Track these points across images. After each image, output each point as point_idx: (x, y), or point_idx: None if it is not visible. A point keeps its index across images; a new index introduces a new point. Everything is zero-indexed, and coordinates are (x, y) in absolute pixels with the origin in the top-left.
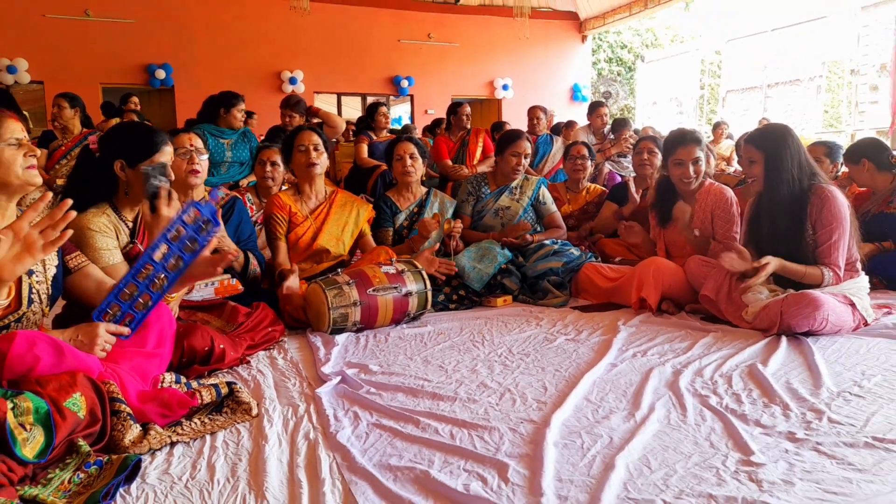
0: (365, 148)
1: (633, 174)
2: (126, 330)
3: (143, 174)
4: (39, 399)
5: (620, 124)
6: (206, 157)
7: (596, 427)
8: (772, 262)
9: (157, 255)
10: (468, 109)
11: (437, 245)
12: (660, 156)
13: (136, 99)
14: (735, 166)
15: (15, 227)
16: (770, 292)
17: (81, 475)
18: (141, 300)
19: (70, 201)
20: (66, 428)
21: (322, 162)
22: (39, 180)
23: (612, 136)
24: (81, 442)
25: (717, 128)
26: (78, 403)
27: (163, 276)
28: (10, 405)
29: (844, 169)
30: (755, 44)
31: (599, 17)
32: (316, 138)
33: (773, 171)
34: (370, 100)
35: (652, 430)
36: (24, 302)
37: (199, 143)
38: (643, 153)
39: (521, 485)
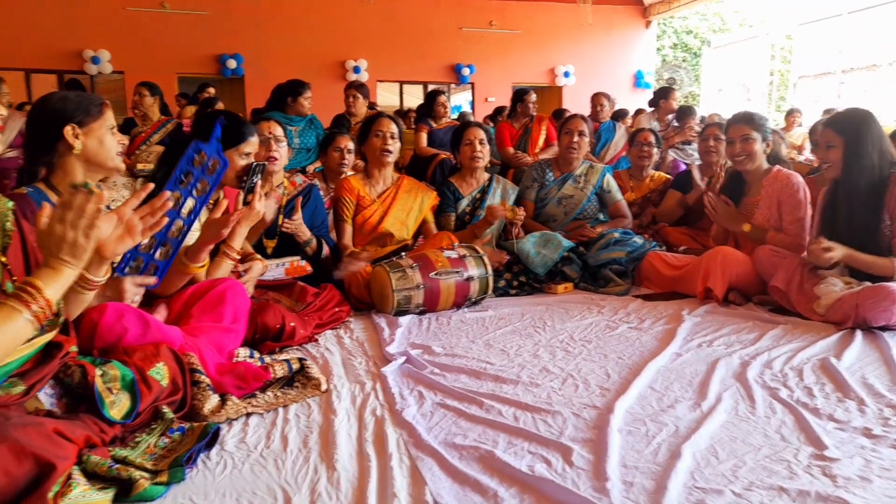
0: (424, 136)
1: (697, 162)
2: (152, 279)
3: (251, 169)
4: (126, 367)
5: (685, 112)
6: (284, 144)
7: (661, 415)
8: (837, 250)
9: (170, 203)
10: (534, 97)
11: (497, 232)
12: (727, 147)
13: (211, 89)
14: (807, 154)
15: (119, 212)
16: (845, 284)
17: (166, 440)
18: (161, 249)
19: (168, 193)
20: (150, 395)
21: (395, 150)
22: (123, 167)
23: (675, 124)
24: (166, 409)
25: (789, 115)
26: (161, 372)
27: (180, 222)
28: (98, 372)
29: None
30: (829, 27)
31: (665, 2)
32: (394, 127)
33: (852, 157)
34: (431, 88)
35: (719, 420)
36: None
37: (278, 131)
38: (709, 140)
39: (586, 469)
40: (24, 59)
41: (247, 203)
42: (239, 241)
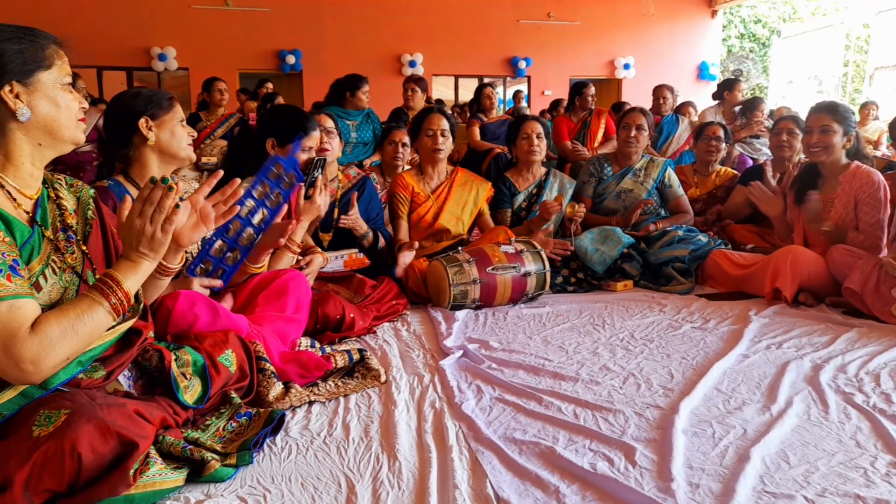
0: (476, 131)
1: (766, 157)
2: (218, 282)
3: (312, 163)
4: (197, 353)
5: (752, 104)
6: (336, 137)
7: (728, 417)
8: None
9: (244, 212)
10: (593, 90)
11: (553, 227)
12: (800, 136)
13: (270, 84)
14: (883, 150)
15: (192, 200)
16: None
17: (234, 424)
18: (230, 255)
19: (238, 180)
20: (219, 380)
21: (447, 147)
22: (194, 157)
23: (743, 119)
24: (234, 395)
25: (863, 108)
26: (230, 359)
27: (250, 230)
28: (173, 357)
29: None
30: None
31: None
32: (444, 123)
33: None
34: (487, 81)
35: (790, 424)
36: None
37: (329, 123)
38: (782, 134)
39: (650, 469)
40: (96, 57)
41: (308, 197)
42: (300, 235)
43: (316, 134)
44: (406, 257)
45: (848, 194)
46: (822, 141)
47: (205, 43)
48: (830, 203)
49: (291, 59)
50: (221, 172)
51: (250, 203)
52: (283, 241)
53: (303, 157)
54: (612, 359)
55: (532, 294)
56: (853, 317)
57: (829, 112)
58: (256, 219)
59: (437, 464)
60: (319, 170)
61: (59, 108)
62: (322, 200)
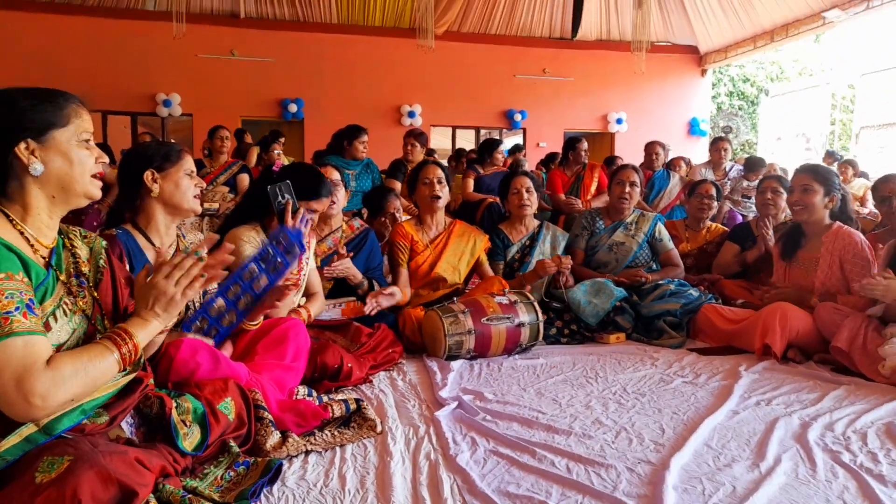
0: (471, 183)
1: (755, 213)
2: (210, 342)
3: (270, 192)
4: (197, 401)
5: (755, 164)
6: (342, 188)
7: (717, 474)
8: None
9: (246, 275)
10: (586, 145)
11: (545, 281)
12: (784, 195)
13: (283, 139)
14: (870, 207)
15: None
16: None
17: (231, 473)
18: (227, 317)
19: (231, 246)
20: (218, 428)
21: (444, 195)
22: (199, 209)
23: (746, 184)
24: (232, 443)
25: (841, 167)
26: (229, 407)
27: (250, 296)
28: (174, 404)
29: None
30: (894, 77)
31: (721, 50)
32: (440, 172)
33: None
34: (483, 133)
35: (778, 482)
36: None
37: (335, 175)
38: (766, 192)
39: None
40: (102, 102)
41: (283, 223)
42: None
43: (326, 200)
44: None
45: (832, 254)
46: (803, 200)
47: (209, 90)
48: (814, 262)
49: (294, 108)
50: (217, 237)
51: (253, 267)
52: (279, 303)
53: (306, 215)
54: (604, 412)
55: (526, 345)
56: (841, 374)
57: (810, 173)
58: (257, 285)
59: None
60: (285, 194)
61: (72, 165)
62: (303, 225)
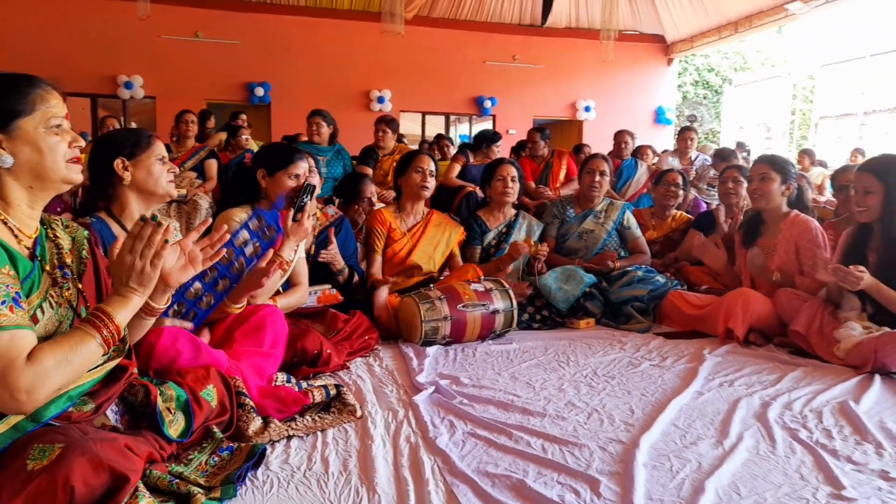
0: (457, 168)
1: (718, 201)
2: (189, 325)
3: (301, 189)
4: (180, 388)
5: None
6: (316, 175)
7: (684, 451)
8: (866, 277)
9: (223, 259)
10: (538, 137)
11: (522, 265)
12: (745, 184)
13: (244, 116)
14: (828, 196)
15: (182, 243)
16: (864, 329)
17: (216, 458)
18: (205, 299)
19: (226, 226)
20: (201, 415)
21: (432, 186)
22: (175, 193)
23: (713, 172)
24: (216, 429)
25: (799, 157)
26: (211, 394)
27: (228, 279)
28: (158, 391)
29: None
30: (852, 69)
31: (687, 40)
32: (433, 165)
33: (893, 205)
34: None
35: (740, 458)
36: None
37: (311, 161)
38: (728, 182)
39: (613, 500)
40: (60, 83)
41: (296, 220)
42: (287, 252)
43: (303, 163)
44: (382, 294)
45: (788, 241)
46: (761, 188)
47: (173, 72)
48: (773, 248)
49: (260, 92)
50: (210, 220)
51: (230, 251)
52: (265, 280)
53: (290, 183)
54: (576, 395)
55: (500, 331)
56: (799, 356)
57: (768, 162)
58: (234, 266)
59: (414, 496)
60: (308, 195)
61: (42, 154)
62: (309, 224)
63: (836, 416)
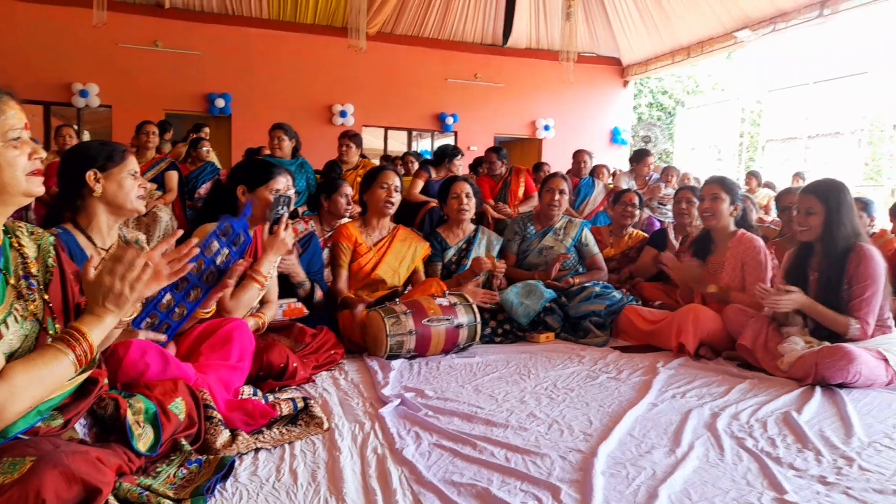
0: (420, 184)
1: (671, 220)
2: (163, 337)
3: (274, 200)
4: (148, 401)
5: (669, 169)
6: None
7: (639, 460)
8: (798, 295)
9: (194, 269)
10: (494, 157)
11: (482, 280)
12: (697, 204)
13: (207, 129)
14: (773, 216)
15: (150, 256)
16: (806, 344)
17: (184, 471)
18: (177, 310)
19: (195, 240)
20: (170, 428)
21: (397, 202)
22: (143, 209)
23: (663, 192)
24: (184, 442)
25: (747, 178)
26: (179, 407)
27: (199, 289)
28: (128, 404)
29: (882, 225)
30: (797, 95)
31: (642, 63)
32: (398, 181)
33: (833, 225)
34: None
35: (692, 466)
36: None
37: (288, 177)
38: (681, 202)
39: None
40: (12, 90)
41: (272, 232)
42: (266, 267)
43: (283, 178)
44: (359, 313)
45: (735, 258)
46: (712, 208)
47: (130, 81)
48: (721, 266)
49: (221, 103)
50: (181, 232)
51: (200, 261)
52: (230, 281)
53: (270, 197)
54: (537, 406)
55: (463, 345)
56: (746, 369)
57: (718, 183)
58: (205, 276)
59: None
60: (285, 207)
61: (0, 169)
62: (286, 235)
63: (779, 425)
